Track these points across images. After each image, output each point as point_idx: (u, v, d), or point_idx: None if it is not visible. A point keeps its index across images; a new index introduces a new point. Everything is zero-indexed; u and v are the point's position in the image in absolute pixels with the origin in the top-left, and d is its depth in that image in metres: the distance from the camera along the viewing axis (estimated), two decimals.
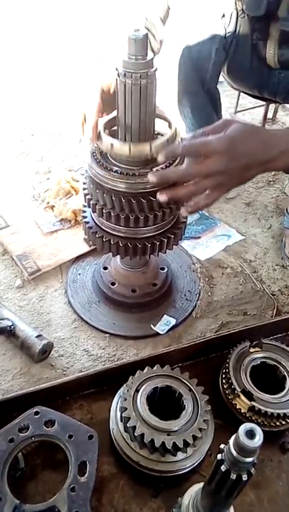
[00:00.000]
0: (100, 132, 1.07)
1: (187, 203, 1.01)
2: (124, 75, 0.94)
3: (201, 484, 0.77)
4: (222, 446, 0.64)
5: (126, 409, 0.95)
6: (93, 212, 1.16)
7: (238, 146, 0.94)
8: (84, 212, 1.25)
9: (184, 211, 1.04)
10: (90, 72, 1.10)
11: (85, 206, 1.22)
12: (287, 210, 1.73)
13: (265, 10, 1.42)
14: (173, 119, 1.11)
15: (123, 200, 1.05)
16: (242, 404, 1.03)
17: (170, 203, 1.08)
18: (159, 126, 1.12)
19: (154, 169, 1.00)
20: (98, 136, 1.07)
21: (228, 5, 1.52)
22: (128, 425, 0.94)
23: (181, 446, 0.91)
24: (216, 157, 0.94)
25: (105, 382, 1.10)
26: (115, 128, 1.09)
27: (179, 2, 1.49)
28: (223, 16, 1.52)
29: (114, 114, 1.08)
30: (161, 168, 1.05)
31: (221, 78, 1.82)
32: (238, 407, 1.03)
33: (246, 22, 1.53)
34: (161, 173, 1.00)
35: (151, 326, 1.40)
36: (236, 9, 1.52)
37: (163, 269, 1.50)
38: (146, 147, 1.01)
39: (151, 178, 0.99)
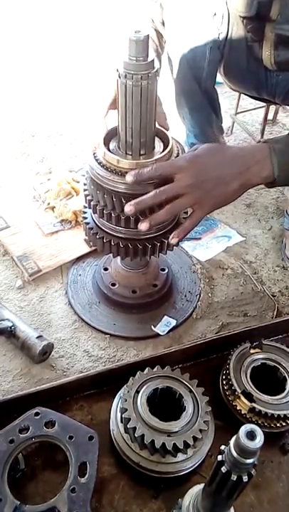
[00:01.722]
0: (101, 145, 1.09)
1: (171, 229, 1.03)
2: (125, 76, 0.95)
3: (202, 485, 0.77)
4: (222, 447, 0.64)
5: (126, 410, 0.95)
6: (94, 213, 1.17)
7: (203, 160, 0.99)
8: (84, 213, 1.25)
9: (173, 239, 1.07)
10: (107, 79, 1.11)
11: (85, 207, 1.22)
12: (287, 211, 1.73)
13: (256, 11, 1.39)
14: (171, 137, 1.12)
15: (124, 201, 1.05)
16: (242, 405, 1.03)
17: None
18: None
19: (128, 204, 1.02)
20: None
21: (220, 4, 1.49)
22: (128, 426, 0.94)
23: (182, 447, 0.91)
24: (181, 173, 0.98)
25: (106, 383, 1.10)
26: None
27: (171, 2, 1.48)
28: (215, 14, 1.49)
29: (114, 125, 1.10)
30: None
31: (220, 79, 1.82)
32: (238, 408, 1.03)
33: (239, 22, 1.50)
34: (136, 202, 1.00)
35: (152, 326, 1.40)
36: (227, 9, 1.49)
37: (163, 270, 1.50)
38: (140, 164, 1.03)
39: (128, 208, 1.00)
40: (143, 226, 1.02)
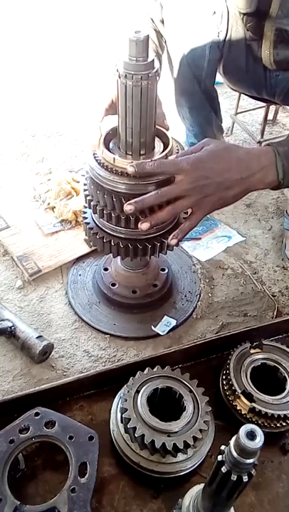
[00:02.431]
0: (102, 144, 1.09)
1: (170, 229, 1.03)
2: (125, 76, 0.95)
3: (202, 485, 0.77)
4: (222, 447, 0.64)
5: (126, 410, 0.95)
6: (94, 213, 1.17)
7: (206, 165, 0.98)
8: (84, 213, 1.25)
9: (172, 241, 1.07)
10: (106, 81, 1.11)
11: (85, 207, 1.22)
12: (287, 211, 1.73)
13: (257, 6, 1.38)
14: (170, 137, 1.12)
15: (124, 201, 1.05)
16: (242, 405, 1.03)
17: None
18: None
19: (127, 203, 1.02)
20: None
21: (219, 2, 1.49)
22: (128, 426, 0.94)
23: (182, 448, 0.91)
24: (183, 176, 0.98)
25: (106, 383, 1.10)
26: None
27: (170, 0, 1.47)
28: (214, 13, 1.49)
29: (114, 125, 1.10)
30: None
31: (220, 79, 1.82)
32: (238, 408, 1.03)
33: (238, 20, 1.50)
34: (136, 201, 1.00)
35: (152, 326, 1.40)
36: (227, 6, 1.49)
37: (163, 270, 1.50)
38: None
39: (128, 207, 1.00)
40: (144, 226, 1.02)
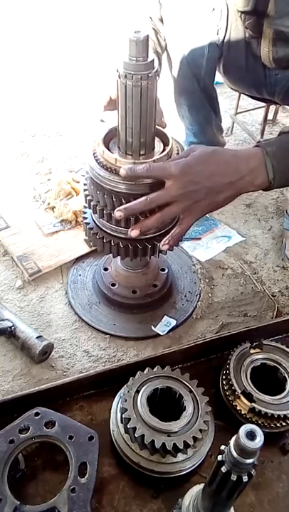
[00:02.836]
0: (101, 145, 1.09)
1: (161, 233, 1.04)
2: (125, 76, 0.95)
3: (202, 485, 0.77)
4: (222, 447, 0.64)
5: (126, 410, 0.95)
6: (94, 213, 1.17)
7: (194, 170, 0.98)
8: (84, 213, 1.25)
9: (164, 246, 1.07)
10: (103, 79, 1.11)
11: (85, 207, 1.22)
12: (287, 211, 1.72)
13: (254, 5, 1.38)
14: (170, 136, 1.12)
15: (123, 202, 1.05)
16: (242, 405, 1.03)
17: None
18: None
19: (117, 209, 1.02)
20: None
21: None
22: (128, 426, 0.94)
23: (182, 448, 0.91)
24: (172, 182, 0.98)
25: (106, 383, 1.10)
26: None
27: None
28: (213, 9, 1.49)
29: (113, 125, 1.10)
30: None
31: (221, 79, 1.82)
32: (238, 408, 1.03)
33: (238, 18, 1.49)
34: (125, 207, 1.02)
35: (152, 327, 1.40)
36: (226, 3, 1.49)
37: (163, 270, 1.50)
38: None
39: (118, 213, 1.02)
40: (133, 233, 1.04)
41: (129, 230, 1.04)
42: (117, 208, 1.02)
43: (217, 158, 1.01)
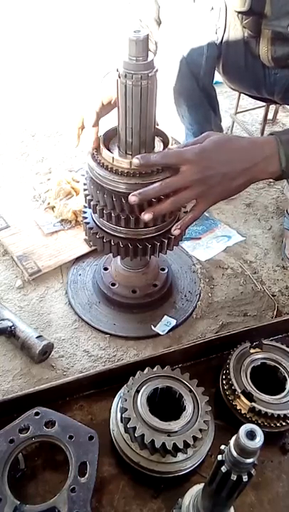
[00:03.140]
0: (100, 144, 1.09)
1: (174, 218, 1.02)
2: (125, 75, 0.95)
3: (202, 485, 0.77)
4: (222, 447, 0.64)
5: (126, 409, 0.95)
6: (94, 213, 1.17)
7: (210, 155, 0.97)
8: (84, 213, 1.25)
9: (175, 231, 1.06)
10: (93, 81, 1.11)
11: (85, 207, 1.22)
12: (287, 211, 1.72)
13: (250, 6, 1.38)
14: (170, 136, 1.12)
15: (124, 201, 1.05)
16: (242, 405, 1.03)
17: (157, 219, 1.09)
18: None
19: (132, 194, 1.01)
20: (98, 147, 1.09)
21: None
22: (128, 426, 0.94)
23: (182, 447, 0.91)
24: (188, 167, 0.97)
25: (106, 383, 1.10)
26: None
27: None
28: (212, 9, 1.49)
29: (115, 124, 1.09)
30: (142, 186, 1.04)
31: (220, 79, 1.82)
32: (238, 407, 1.03)
33: (236, 17, 1.49)
34: (140, 192, 1.00)
35: (152, 326, 1.40)
36: (225, 3, 1.49)
37: (163, 269, 1.50)
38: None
39: (133, 198, 1.00)
40: (146, 216, 1.01)
41: (143, 213, 1.02)
42: (132, 193, 1.00)
43: (233, 145, 1.01)
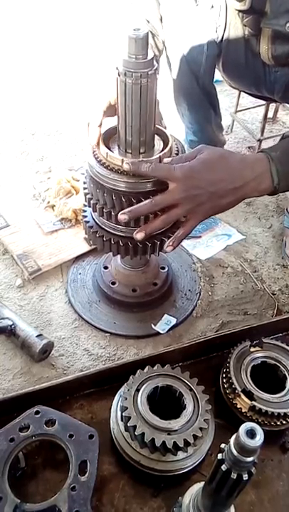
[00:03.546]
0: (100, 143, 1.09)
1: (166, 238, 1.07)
2: (125, 74, 0.94)
3: (202, 484, 0.77)
4: (223, 445, 0.64)
5: (126, 408, 0.95)
6: (94, 211, 1.16)
7: (198, 176, 0.99)
8: (84, 211, 1.25)
9: (168, 248, 1.08)
10: (102, 80, 1.11)
11: (85, 206, 1.22)
12: (287, 209, 1.72)
13: (251, 4, 1.37)
14: (170, 135, 1.12)
15: (123, 200, 1.05)
16: (242, 403, 1.03)
17: (149, 238, 1.10)
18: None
19: (121, 213, 1.03)
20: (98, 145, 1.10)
21: None
22: (129, 424, 0.94)
23: (182, 446, 0.91)
24: (175, 185, 0.99)
25: (106, 382, 1.10)
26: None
27: None
28: (212, 7, 1.49)
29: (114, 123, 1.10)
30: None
31: (220, 77, 1.81)
32: (238, 406, 1.03)
33: (236, 15, 1.49)
34: (131, 210, 1.02)
35: (152, 325, 1.40)
36: (225, 1, 1.48)
37: (163, 268, 1.50)
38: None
39: (123, 217, 1.02)
40: (138, 236, 1.04)
41: (135, 232, 1.05)
42: (122, 212, 1.03)
43: (222, 164, 1.02)
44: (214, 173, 1.00)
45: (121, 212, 1.03)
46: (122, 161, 1.03)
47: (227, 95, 2.43)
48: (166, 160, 1.05)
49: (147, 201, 1.01)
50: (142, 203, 1.02)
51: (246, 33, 1.51)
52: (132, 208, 1.02)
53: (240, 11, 1.44)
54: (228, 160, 1.03)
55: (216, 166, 1.01)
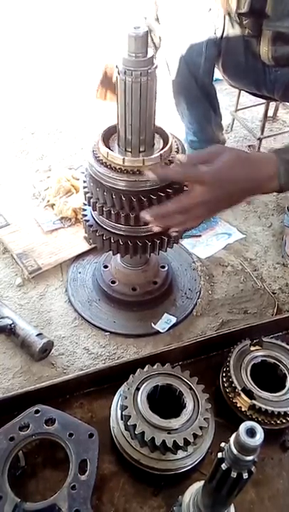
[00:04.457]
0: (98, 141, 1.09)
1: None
2: (125, 72, 0.94)
3: (202, 482, 0.77)
4: (223, 444, 0.64)
5: (126, 407, 0.95)
6: (93, 210, 1.16)
7: (224, 177, 1.00)
8: (84, 210, 1.25)
9: (173, 233, 1.07)
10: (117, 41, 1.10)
11: (85, 204, 1.22)
12: (287, 208, 1.72)
13: (250, 7, 1.38)
14: (170, 133, 1.12)
15: (123, 199, 1.05)
16: (242, 402, 1.03)
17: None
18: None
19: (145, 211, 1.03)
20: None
21: None
22: (129, 423, 0.94)
23: (182, 445, 0.91)
24: (204, 187, 0.99)
25: (106, 381, 1.10)
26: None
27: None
28: (210, 9, 1.48)
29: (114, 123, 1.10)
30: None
31: (220, 76, 1.81)
32: (238, 405, 1.03)
33: (235, 17, 1.48)
34: (153, 211, 1.02)
35: (152, 324, 1.40)
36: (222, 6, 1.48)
37: (163, 267, 1.50)
38: (140, 162, 1.04)
39: (147, 216, 1.02)
40: (156, 229, 1.04)
41: (152, 225, 1.04)
42: (143, 211, 1.02)
43: (242, 166, 1.03)
44: (235, 175, 1.01)
45: (143, 211, 1.02)
46: (140, 169, 1.03)
47: (227, 94, 2.43)
48: (178, 157, 1.04)
49: (170, 203, 1.02)
50: (166, 205, 1.02)
51: (246, 34, 1.51)
52: (154, 208, 1.02)
53: (239, 13, 1.44)
54: (244, 160, 1.04)
55: (235, 167, 1.02)
